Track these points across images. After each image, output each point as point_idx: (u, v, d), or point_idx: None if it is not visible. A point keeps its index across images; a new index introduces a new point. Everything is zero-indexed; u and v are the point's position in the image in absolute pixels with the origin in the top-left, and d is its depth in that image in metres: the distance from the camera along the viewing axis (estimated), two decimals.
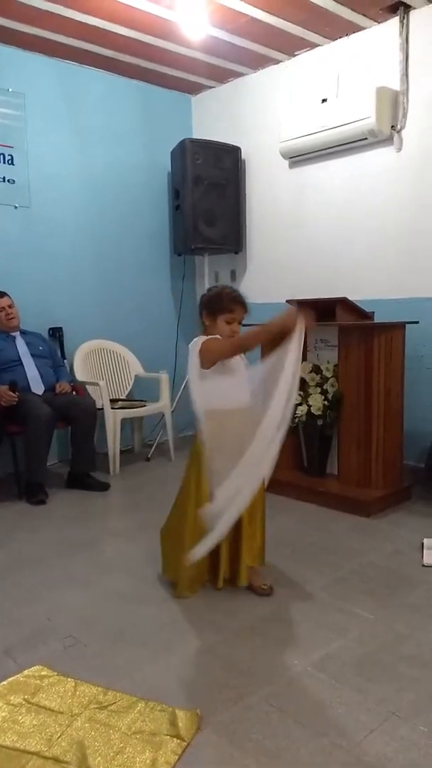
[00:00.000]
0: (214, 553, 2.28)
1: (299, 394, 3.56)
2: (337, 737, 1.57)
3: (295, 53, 4.23)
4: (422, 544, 2.76)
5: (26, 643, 2.06)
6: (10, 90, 4.03)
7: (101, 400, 4.04)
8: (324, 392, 3.48)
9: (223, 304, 2.28)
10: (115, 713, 1.68)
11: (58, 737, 1.60)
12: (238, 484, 2.04)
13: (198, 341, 2.27)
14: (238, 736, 1.59)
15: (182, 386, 4.61)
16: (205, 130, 4.85)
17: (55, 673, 1.87)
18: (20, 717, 1.68)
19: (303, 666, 1.89)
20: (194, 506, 2.27)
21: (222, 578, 2.37)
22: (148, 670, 1.88)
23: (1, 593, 2.42)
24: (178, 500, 2.44)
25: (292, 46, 4.13)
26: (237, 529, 2.27)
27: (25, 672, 1.88)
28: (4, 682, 1.83)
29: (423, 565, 2.59)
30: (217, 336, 2.28)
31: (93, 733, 1.61)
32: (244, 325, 2.36)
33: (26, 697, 1.76)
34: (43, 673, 1.88)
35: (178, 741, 1.56)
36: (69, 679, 1.84)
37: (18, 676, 1.86)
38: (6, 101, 4.02)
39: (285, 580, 2.50)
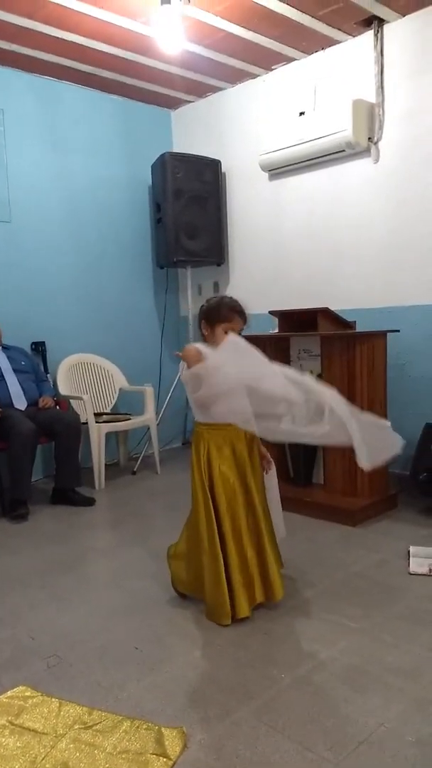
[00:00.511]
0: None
1: None
2: (325, 751, 1.56)
3: (272, 67, 4.29)
4: (408, 552, 2.76)
5: (9, 663, 2.02)
6: None
7: (85, 414, 4.02)
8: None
9: (222, 313, 2.28)
10: (100, 733, 1.65)
11: (42, 759, 1.56)
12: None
13: (194, 346, 2.24)
14: (225, 753, 1.56)
15: (167, 399, 4.60)
16: (185, 144, 4.89)
17: (39, 694, 1.84)
18: (3, 739, 1.64)
19: (290, 679, 1.87)
20: (205, 526, 2.21)
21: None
22: (132, 689, 1.86)
23: None
24: (191, 521, 2.33)
25: (269, 61, 4.18)
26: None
27: (9, 693, 1.85)
28: None
29: (409, 573, 2.59)
30: (198, 347, 2.24)
31: (78, 753, 1.58)
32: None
33: (10, 718, 1.73)
34: (26, 693, 1.84)
35: (165, 760, 1.54)
36: (53, 700, 1.81)
37: (1, 697, 1.83)
38: None
39: None
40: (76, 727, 1.68)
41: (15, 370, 3.80)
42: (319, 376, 3.49)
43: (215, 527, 2.19)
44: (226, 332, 2.24)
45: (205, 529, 2.20)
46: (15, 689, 1.86)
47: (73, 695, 1.82)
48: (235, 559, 2.20)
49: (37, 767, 1.54)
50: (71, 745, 1.61)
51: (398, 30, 3.66)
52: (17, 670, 1.98)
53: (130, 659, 2.02)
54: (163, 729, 1.64)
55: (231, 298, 2.37)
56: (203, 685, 1.86)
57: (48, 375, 4.18)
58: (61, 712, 1.75)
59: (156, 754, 1.56)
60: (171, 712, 1.73)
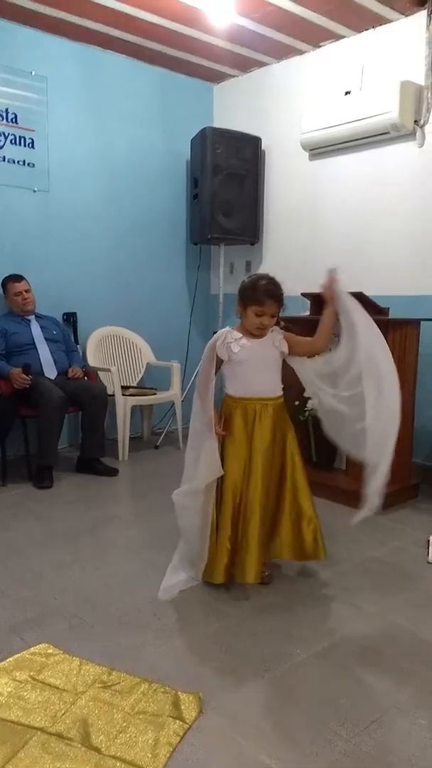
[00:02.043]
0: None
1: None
2: (337, 726, 1.59)
3: (320, 44, 4.20)
4: (428, 541, 2.76)
5: (33, 621, 2.09)
6: (33, 73, 4.03)
7: (112, 386, 4.06)
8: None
9: (256, 295, 2.22)
10: (118, 693, 1.71)
11: (62, 714, 1.62)
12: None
13: (218, 333, 2.30)
14: (239, 721, 1.61)
15: (193, 376, 4.62)
16: (226, 120, 4.83)
17: (61, 652, 1.90)
18: (25, 693, 1.71)
19: (306, 655, 1.90)
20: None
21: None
22: (151, 653, 1.91)
23: (9, 573, 2.46)
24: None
25: (317, 37, 4.09)
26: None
27: (31, 649, 1.91)
28: (10, 659, 1.86)
29: (428, 562, 2.60)
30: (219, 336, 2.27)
31: (96, 711, 1.63)
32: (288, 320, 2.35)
33: (32, 674, 1.79)
34: (48, 651, 1.91)
35: (180, 723, 1.59)
36: (74, 658, 1.87)
37: (24, 653, 1.89)
38: (28, 84, 4.02)
39: (289, 571, 2.51)
40: (96, 685, 1.74)
41: (47, 339, 3.85)
42: None
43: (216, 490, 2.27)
44: (257, 315, 2.22)
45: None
46: (37, 646, 1.93)
47: (94, 655, 1.88)
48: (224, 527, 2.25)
49: (57, 722, 1.60)
50: (90, 703, 1.67)
51: None
52: (40, 628, 2.04)
53: (149, 625, 2.08)
54: (180, 693, 1.69)
55: (270, 278, 2.28)
56: (220, 654, 1.91)
57: (78, 346, 4.22)
58: (82, 671, 1.81)
59: (172, 717, 1.61)
60: (187, 678, 1.77)
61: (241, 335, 2.27)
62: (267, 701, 1.69)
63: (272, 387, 2.32)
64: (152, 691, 1.71)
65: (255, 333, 2.27)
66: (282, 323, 2.36)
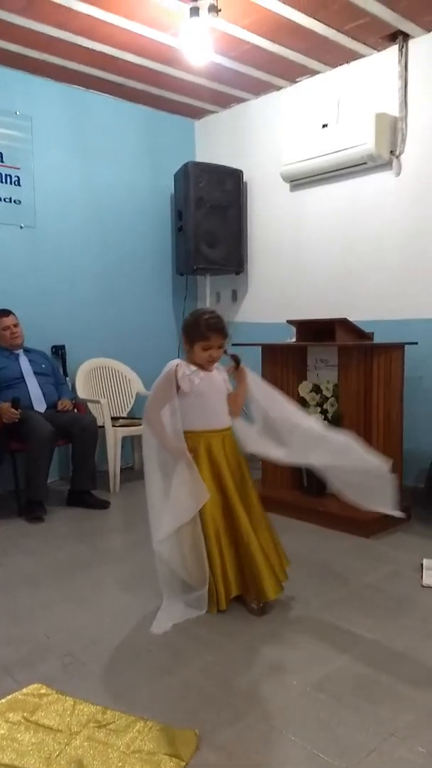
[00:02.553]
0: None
1: None
2: (335, 758, 1.57)
3: (297, 80, 4.33)
4: (421, 564, 2.76)
5: (25, 661, 2.06)
6: (18, 113, 4.12)
7: (102, 417, 4.07)
8: (324, 411, 3.51)
9: (199, 330, 2.29)
10: (113, 732, 1.68)
11: (57, 755, 1.59)
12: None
13: (168, 366, 2.34)
14: (236, 756, 1.58)
15: None
16: (208, 154, 4.95)
17: (54, 692, 1.87)
18: (19, 735, 1.68)
19: (302, 686, 1.89)
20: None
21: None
22: (145, 690, 1.88)
23: (0, 612, 2.42)
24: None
25: (293, 73, 4.23)
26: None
27: (24, 690, 1.88)
28: (3, 700, 1.83)
29: (422, 586, 2.59)
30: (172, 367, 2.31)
31: (92, 751, 1.60)
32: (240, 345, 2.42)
33: (25, 714, 1.76)
34: (42, 691, 1.88)
35: (177, 761, 1.56)
36: (68, 698, 1.84)
37: (17, 693, 1.86)
38: (14, 123, 4.11)
39: (283, 599, 2.49)
40: (91, 725, 1.71)
41: (36, 373, 3.86)
42: (336, 386, 3.51)
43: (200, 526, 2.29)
44: (204, 349, 2.30)
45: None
46: (30, 686, 1.90)
47: (87, 695, 1.85)
48: (214, 557, 2.29)
49: (51, 763, 1.57)
50: (85, 743, 1.64)
51: (423, 45, 3.69)
52: (32, 667, 2.01)
53: (143, 661, 2.05)
54: (175, 730, 1.67)
55: (211, 313, 2.36)
56: (215, 688, 1.88)
57: (67, 378, 4.23)
58: (76, 711, 1.78)
59: (168, 755, 1.58)
60: (183, 715, 1.75)
61: (195, 368, 2.35)
62: (263, 735, 1.66)
63: (226, 418, 2.42)
64: (147, 729, 1.69)
65: (206, 366, 2.35)
66: (229, 353, 2.44)
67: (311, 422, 2.44)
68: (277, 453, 2.37)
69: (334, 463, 2.30)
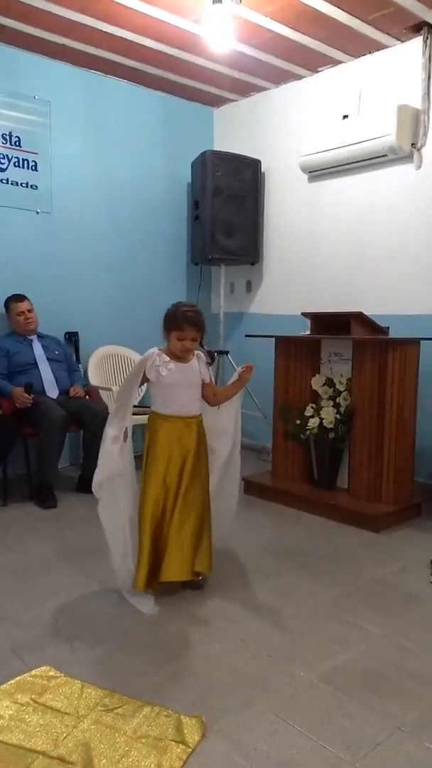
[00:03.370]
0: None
1: (311, 407, 3.58)
2: (341, 750, 1.57)
3: (318, 69, 4.28)
4: (431, 561, 2.75)
5: (34, 643, 2.07)
6: (36, 97, 4.11)
7: (113, 405, 4.06)
8: (336, 405, 3.49)
9: (176, 321, 2.40)
10: (121, 716, 1.69)
11: (64, 738, 1.61)
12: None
13: (147, 353, 2.46)
14: (242, 745, 1.59)
15: None
16: (226, 143, 4.91)
17: (62, 674, 1.89)
18: (27, 716, 1.69)
19: (309, 677, 1.89)
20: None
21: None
22: (153, 675, 1.89)
23: (10, 594, 2.44)
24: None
25: (315, 63, 4.18)
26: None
27: (33, 672, 1.89)
28: (12, 681, 1.84)
29: (431, 582, 2.58)
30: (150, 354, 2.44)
31: (99, 735, 1.62)
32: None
33: (33, 696, 1.78)
34: (50, 673, 1.89)
35: (183, 747, 1.57)
36: (76, 681, 1.85)
37: (25, 675, 1.88)
38: (32, 108, 4.09)
39: (291, 591, 2.50)
40: (98, 709, 1.72)
41: (49, 359, 3.87)
42: (349, 381, 3.49)
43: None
44: (179, 339, 2.40)
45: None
46: (39, 669, 1.91)
47: (95, 678, 1.86)
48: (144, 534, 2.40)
49: (58, 745, 1.58)
50: (92, 727, 1.65)
51: None
52: (41, 650, 2.03)
53: (151, 647, 2.06)
54: (182, 717, 1.68)
55: (191, 306, 2.47)
56: (223, 676, 1.89)
57: (79, 365, 4.24)
58: (83, 694, 1.79)
59: (175, 741, 1.59)
60: (190, 701, 1.76)
61: (168, 359, 2.44)
62: (270, 725, 1.67)
63: (194, 407, 2.50)
64: (154, 714, 1.70)
65: (179, 356, 2.45)
66: (206, 349, 2.57)
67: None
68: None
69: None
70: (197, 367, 2.51)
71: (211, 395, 2.56)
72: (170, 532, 2.38)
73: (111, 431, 2.41)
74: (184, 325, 2.40)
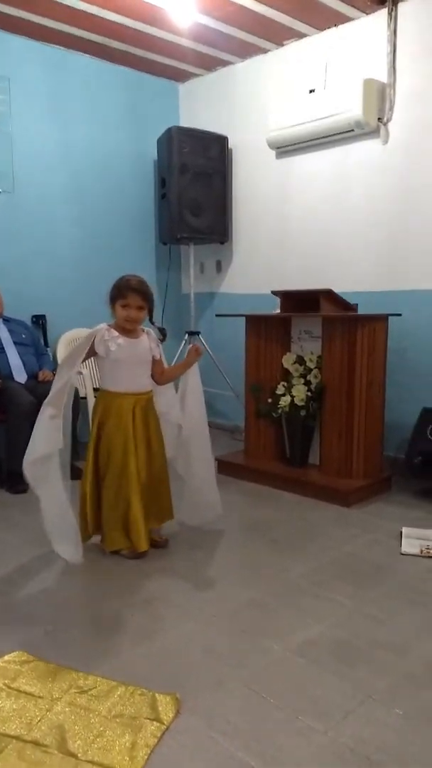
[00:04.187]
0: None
1: (283, 385, 3.59)
2: (314, 720, 1.60)
3: (283, 43, 4.22)
4: (401, 533, 2.80)
5: (6, 628, 2.06)
6: None
7: (84, 389, 4.02)
8: (307, 383, 3.51)
9: (120, 289, 2.47)
10: (95, 697, 1.69)
11: (38, 721, 1.60)
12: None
13: (96, 327, 2.51)
14: (217, 720, 1.61)
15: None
16: (192, 119, 4.83)
17: (36, 659, 1.88)
18: (0, 702, 1.68)
19: (282, 651, 1.91)
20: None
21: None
22: (127, 656, 1.90)
23: None
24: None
25: (280, 36, 4.11)
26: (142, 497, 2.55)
27: (5, 657, 1.88)
28: None
29: (401, 554, 2.63)
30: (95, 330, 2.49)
31: (73, 717, 1.62)
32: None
33: (6, 682, 1.77)
34: (23, 658, 1.88)
35: (158, 724, 1.58)
36: (50, 664, 1.85)
37: None
38: None
39: (264, 567, 2.53)
40: (72, 691, 1.72)
41: (15, 343, 3.80)
42: (320, 358, 3.51)
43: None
44: (123, 307, 2.46)
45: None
46: (12, 654, 1.90)
47: (69, 661, 1.86)
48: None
49: (33, 729, 1.58)
50: (66, 709, 1.65)
51: (412, 9, 3.60)
52: (14, 635, 2.02)
53: (125, 628, 2.06)
54: (156, 695, 1.69)
55: (135, 276, 2.53)
56: (196, 653, 1.90)
57: (48, 348, 4.18)
58: (57, 677, 1.79)
59: (150, 719, 1.60)
60: (164, 680, 1.77)
61: (117, 334, 2.48)
62: (244, 699, 1.69)
63: (144, 383, 2.58)
64: (129, 693, 1.70)
65: (126, 327, 2.50)
66: (156, 326, 2.64)
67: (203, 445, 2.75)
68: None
69: (186, 478, 2.74)
70: (147, 343, 2.55)
71: (160, 373, 2.62)
72: (132, 506, 2.50)
73: (50, 410, 2.42)
74: (127, 292, 2.45)
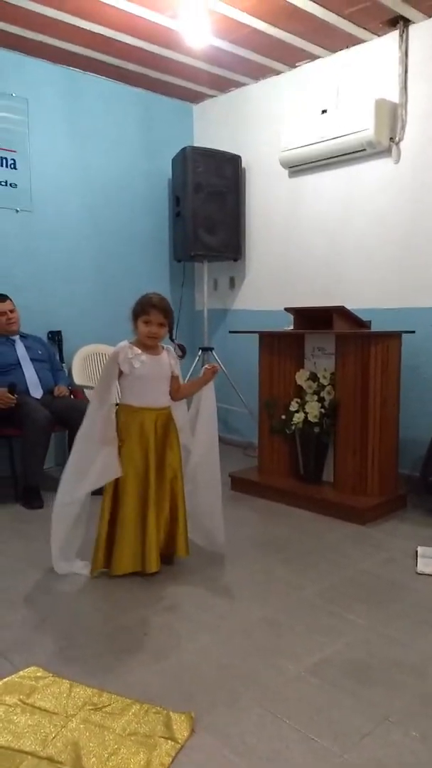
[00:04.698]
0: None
1: (296, 401, 3.60)
2: (330, 741, 1.59)
3: (296, 64, 4.29)
4: (416, 552, 2.78)
5: (21, 643, 2.07)
6: (14, 95, 4.07)
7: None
8: (321, 400, 3.51)
9: (142, 306, 2.52)
10: (109, 715, 1.69)
11: (53, 738, 1.60)
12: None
13: (118, 346, 2.55)
14: (232, 739, 1.60)
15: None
16: (207, 139, 4.90)
17: (51, 674, 1.88)
18: (15, 717, 1.69)
19: (296, 670, 1.90)
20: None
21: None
22: (141, 673, 1.89)
23: None
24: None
25: (293, 58, 4.18)
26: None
27: (21, 672, 1.89)
28: (0, 683, 1.84)
29: (417, 573, 2.61)
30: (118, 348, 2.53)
31: (87, 734, 1.62)
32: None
33: (21, 697, 1.77)
34: (38, 674, 1.89)
35: (173, 743, 1.58)
36: (64, 681, 1.85)
37: (13, 676, 1.87)
38: (10, 106, 4.06)
39: (278, 584, 2.52)
40: (87, 708, 1.72)
41: (32, 359, 3.84)
42: (333, 375, 3.51)
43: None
44: (145, 323, 2.51)
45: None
46: (27, 669, 1.91)
47: (84, 677, 1.86)
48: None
49: (47, 745, 1.58)
50: (81, 726, 1.65)
51: (424, 31, 3.65)
52: (29, 650, 2.02)
53: (138, 645, 2.06)
54: (171, 713, 1.68)
55: (157, 294, 2.58)
56: (211, 671, 1.90)
57: (63, 364, 4.22)
58: (72, 693, 1.79)
59: (164, 737, 1.59)
60: (179, 697, 1.76)
61: (140, 351, 2.53)
62: (259, 718, 1.68)
63: (164, 399, 2.61)
64: (143, 711, 1.70)
65: (148, 343, 2.54)
66: (176, 343, 2.69)
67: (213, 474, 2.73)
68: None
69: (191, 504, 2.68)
70: (167, 359, 2.60)
71: (176, 390, 2.65)
72: (148, 524, 2.49)
73: (103, 444, 2.47)
74: (149, 309, 2.50)
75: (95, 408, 2.51)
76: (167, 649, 2.03)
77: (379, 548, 2.90)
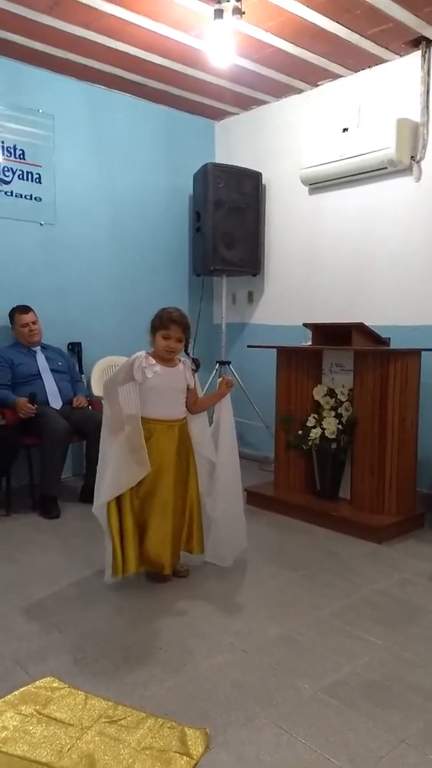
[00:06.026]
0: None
1: (313, 417, 3.59)
2: (345, 763, 1.57)
3: (318, 83, 4.33)
4: None
5: (38, 654, 2.08)
6: (41, 111, 4.15)
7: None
8: (338, 416, 3.50)
9: (162, 320, 2.56)
10: (125, 728, 1.69)
11: (69, 749, 1.61)
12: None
13: (135, 355, 2.57)
14: (247, 757, 1.59)
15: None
16: (228, 155, 4.96)
17: (66, 686, 1.89)
18: (31, 727, 1.70)
19: (313, 690, 1.89)
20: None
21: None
22: (156, 688, 1.89)
23: (13, 606, 2.45)
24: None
25: (315, 77, 4.22)
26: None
27: (37, 683, 1.90)
28: (16, 692, 1.85)
29: None
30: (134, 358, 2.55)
31: (103, 746, 1.62)
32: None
33: (37, 707, 1.78)
34: (54, 684, 1.90)
35: (188, 759, 1.57)
36: (80, 692, 1.85)
37: (29, 686, 1.88)
38: (36, 122, 4.14)
39: (294, 602, 2.50)
40: (102, 720, 1.73)
41: (52, 370, 3.89)
42: (351, 391, 3.51)
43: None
44: (164, 338, 2.55)
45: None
46: (42, 680, 1.92)
47: (99, 690, 1.86)
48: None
49: (63, 757, 1.58)
50: (96, 738, 1.65)
51: None
52: (45, 661, 2.03)
53: (155, 659, 2.06)
54: (186, 729, 1.68)
55: (176, 309, 2.62)
56: (226, 689, 1.89)
57: (82, 375, 4.26)
58: (87, 705, 1.79)
59: (179, 753, 1.59)
60: (194, 714, 1.76)
61: (155, 362, 2.57)
62: (274, 737, 1.67)
63: (179, 411, 2.62)
64: (158, 726, 1.70)
65: (165, 356, 2.58)
66: (191, 356, 2.72)
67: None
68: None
69: (213, 515, 2.72)
70: (183, 372, 2.62)
71: (193, 402, 2.67)
72: (160, 531, 2.53)
73: (121, 440, 2.49)
74: (169, 324, 2.54)
75: (105, 409, 2.58)
76: (183, 666, 2.02)
77: (395, 568, 2.87)
